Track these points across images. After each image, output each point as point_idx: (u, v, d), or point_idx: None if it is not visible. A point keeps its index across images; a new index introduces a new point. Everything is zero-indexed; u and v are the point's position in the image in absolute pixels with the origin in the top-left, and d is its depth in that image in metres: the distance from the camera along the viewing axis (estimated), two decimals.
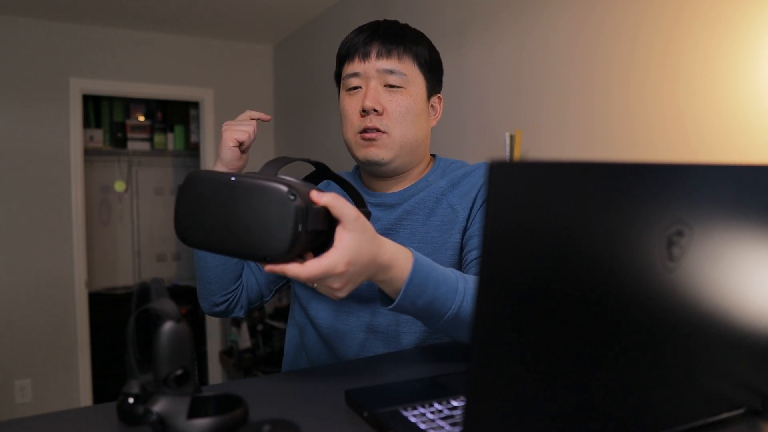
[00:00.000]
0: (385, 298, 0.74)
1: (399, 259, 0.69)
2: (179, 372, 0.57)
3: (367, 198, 1.00)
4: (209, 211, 0.65)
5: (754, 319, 0.54)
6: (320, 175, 0.89)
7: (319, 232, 0.65)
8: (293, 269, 0.62)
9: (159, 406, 0.56)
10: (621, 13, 1.59)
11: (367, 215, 0.79)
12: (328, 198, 0.63)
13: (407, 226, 0.95)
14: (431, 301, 0.72)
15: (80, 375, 3.32)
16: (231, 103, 3.78)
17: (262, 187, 0.62)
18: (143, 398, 0.58)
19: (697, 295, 0.49)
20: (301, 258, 0.64)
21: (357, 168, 1.07)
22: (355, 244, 0.63)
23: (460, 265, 0.95)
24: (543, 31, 1.84)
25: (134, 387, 0.59)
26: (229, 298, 0.99)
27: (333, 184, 1.02)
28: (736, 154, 1.32)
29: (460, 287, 0.74)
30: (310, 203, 0.63)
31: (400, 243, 0.93)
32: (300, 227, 0.61)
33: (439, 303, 0.72)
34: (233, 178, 0.63)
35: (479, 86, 2.10)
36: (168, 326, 0.57)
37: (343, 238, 0.63)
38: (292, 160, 0.75)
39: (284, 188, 0.61)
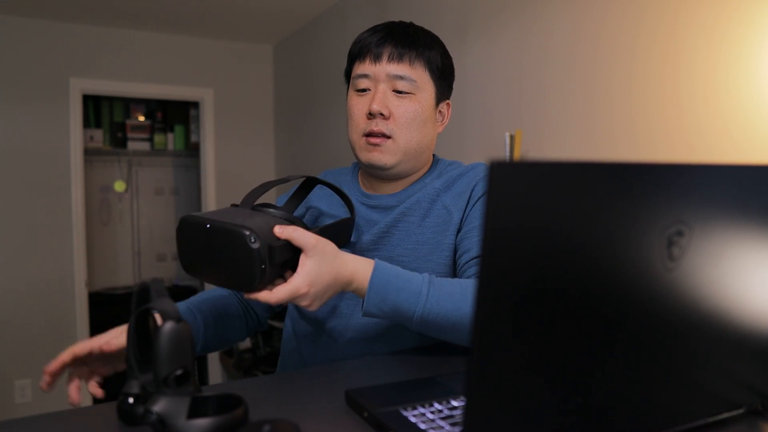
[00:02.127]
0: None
1: (359, 272, 0.77)
2: (179, 372, 0.57)
3: (363, 200, 1.00)
4: (198, 250, 0.75)
5: (754, 319, 0.54)
6: (310, 184, 0.97)
7: (287, 261, 0.74)
8: (264, 296, 0.72)
9: (159, 406, 0.56)
10: (621, 12, 1.59)
11: (351, 222, 0.90)
12: (288, 232, 0.73)
13: (402, 228, 0.95)
14: (396, 306, 0.78)
15: None
16: (231, 103, 3.79)
17: (229, 231, 0.71)
18: (143, 398, 0.58)
19: (697, 295, 0.49)
20: (272, 284, 0.74)
21: (356, 166, 1.08)
22: (315, 268, 0.73)
23: (453, 266, 0.95)
24: (543, 31, 1.84)
25: (134, 387, 0.59)
26: (244, 332, 1.03)
27: (324, 189, 1.04)
28: (736, 154, 1.32)
29: (423, 291, 0.78)
30: (274, 240, 0.72)
31: (396, 244, 0.94)
32: (263, 266, 0.70)
33: (404, 307, 0.78)
34: (208, 225, 0.73)
35: (479, 86, 2.10)
36: (168, 326, 0.57)
37: (305, 264, 0.73)
38: (273, 184, 0.84)
39: (246, 232, 0.70)
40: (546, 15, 1.83)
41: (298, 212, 1.04)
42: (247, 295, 0.73)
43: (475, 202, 0.94)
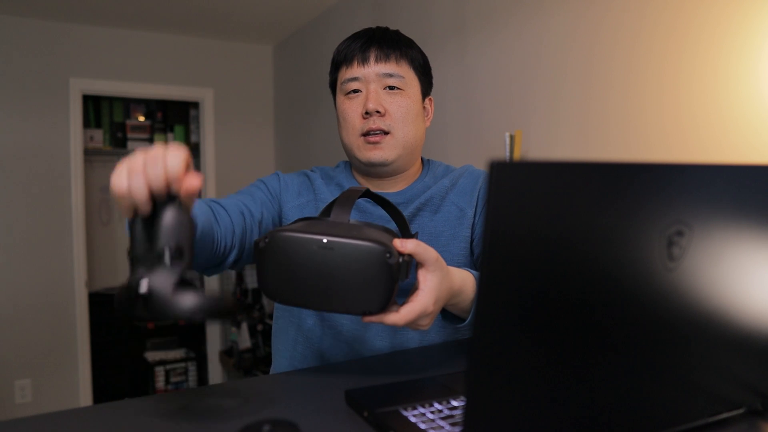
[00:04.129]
0: (454, 318, 0.82)
1: (466, 283, 0.77)
2: (173, 247, 0.57)
3: (368, 198, 1.01)
4: (300, 272, 0.65)
5: (754, 319, 0.54)
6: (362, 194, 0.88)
7: None
8: (391, 318, 0.67)
9: (149, 278, 0.56)
10: (621, 12, 1.59)
11: (416, 236, 0.83)
12: (411, 246, 0.67)
13: (417, 222, 0.99)
14: None
15: (80, 375, 3.32)
16: (231, 103, 3.79)
17: (359, 247, 0.64)
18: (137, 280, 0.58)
19: (697, 296, 0.49)
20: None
21: (347, 165, 1.09)
22: (437, 283, 0.69)
23: (470, 257, 1.00)
24: (543, 30, 1.84)
25: (131, 280, 0.58)
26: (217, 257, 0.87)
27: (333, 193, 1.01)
28: (734, 155, 1.32)
29: None
30: (398, 255, 0.65)
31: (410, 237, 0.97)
32: (396, 284, 0.65)
33: None
34: (325, 240, 0.64)
35: (479, 86, 2.10)
36: (169, 204, 0.58)
37: (427, 280, 0.69)
38: (358, 196, 0.76)
39: (380, 248, 0.64)
40: (546, 15, 1.83)
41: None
42: (369, 318, 0.66)
43: (484, 204, 0.96)
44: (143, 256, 0.58)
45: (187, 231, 0.59)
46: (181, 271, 0.57)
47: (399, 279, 0.65)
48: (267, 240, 0.66)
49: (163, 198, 0.59)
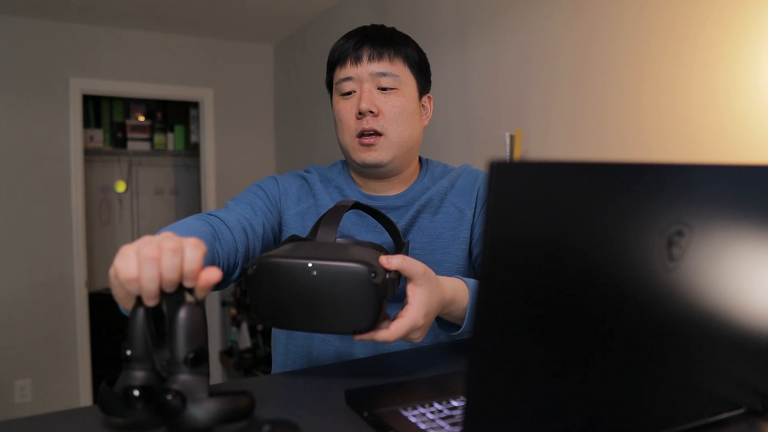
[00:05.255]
0: (449, 326, 0.81)
1: (458, 292, 0.76)
2: (197, 352, 0.55)
3: (368, 201, 1.00)
4: (289, 295, 0.66)
5: (754, 319, 0.54)
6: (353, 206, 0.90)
7: None
8: (381, 335, 0.67)
9: (179, 384, 0.53)
10: (620, 10, 1.59)
11: (407, 245, 0.83)
12: (397, 261, 0.67)
13: (417, 225, 0.98)
14: None
15: (80, 375, 3.32)
16: (231, 103, 3.79)
17: (343, 268, 0.65)
18: (148, 388, 0.55)
19: (697, 295, 0.49)
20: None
21: (344, 165, 1.07)
22: (427, 296, 0.69)
23: (469, 259, 0.99)
24: (543, 29, 1.84)
25: (135, 380, 0.56)
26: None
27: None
28: (735, 155, 1.32)
29: None
30: (384, 273, 0.66)
31: (411, 239, 0.97)
32: (383, 302, 0.66)
33: None
34: (310, 264, 0.65)
35: (479, 86, 2.10)
36: (187, 306, 0.55)
37: (416, 294, 0.69)
38: (344, 212, 0.77)
39: (365, 268, 0.64)
40: (545, 13, 1.83)
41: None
42: (360, 337, 0.67)
43: (483, 205, 0.96)
44: (146, 354, 0.56)
45: (205, 332, 0.56)
46: (204, 378, 0.54)
47: (386, 296, 0.66)
48: (254, 267, 0.67)
49: (174, 291, 0.55)
